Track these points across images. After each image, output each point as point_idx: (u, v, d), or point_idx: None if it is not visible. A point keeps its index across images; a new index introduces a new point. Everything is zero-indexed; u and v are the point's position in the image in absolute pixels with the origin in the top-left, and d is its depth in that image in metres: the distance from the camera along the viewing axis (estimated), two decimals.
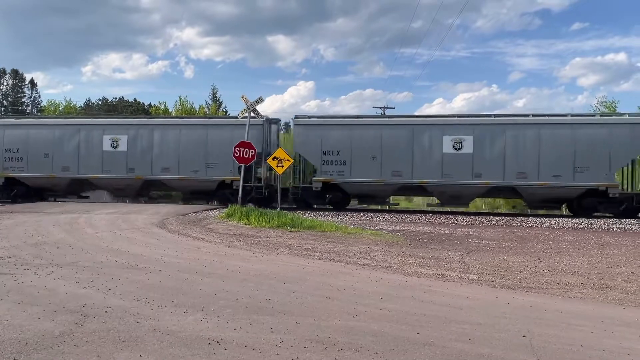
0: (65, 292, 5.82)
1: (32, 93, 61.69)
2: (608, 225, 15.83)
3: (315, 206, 20.62)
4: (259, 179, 20.71)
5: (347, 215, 17.70)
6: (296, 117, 20.70)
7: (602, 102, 37.00)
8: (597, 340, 4.54)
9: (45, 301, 5.39)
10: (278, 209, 15.89)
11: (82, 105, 58.43)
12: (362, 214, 18.11)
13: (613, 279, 7.65)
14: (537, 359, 4.03)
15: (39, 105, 59.25)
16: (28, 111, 56.69)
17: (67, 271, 7.01)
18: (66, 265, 7.49)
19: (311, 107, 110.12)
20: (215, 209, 18.33)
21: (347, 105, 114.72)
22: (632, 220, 16.81)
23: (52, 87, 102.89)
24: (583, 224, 15.99)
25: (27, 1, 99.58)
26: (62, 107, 51.66)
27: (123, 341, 4.19)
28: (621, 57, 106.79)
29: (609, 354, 4.21)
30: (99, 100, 62.46)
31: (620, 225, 15.75)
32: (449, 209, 21.13)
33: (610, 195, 17.69)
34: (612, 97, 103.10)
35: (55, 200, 22.41)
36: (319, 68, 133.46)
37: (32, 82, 61.38)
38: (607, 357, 4.14)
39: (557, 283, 7.29)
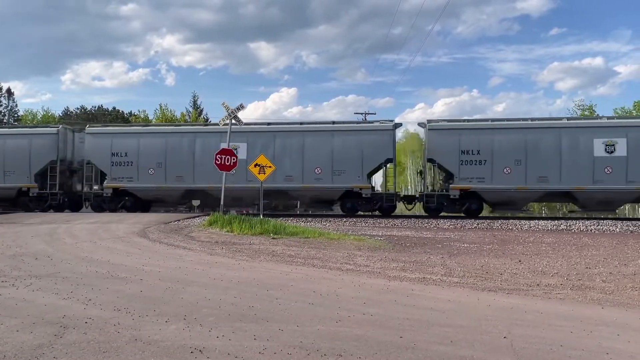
0: (44, 303, 5.73)
1: (9, 102, 60.68)
2: (586, 226, 16.10)
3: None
4: None
5: (329, 221, 17.72)
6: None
7: (579, 106, 37.73)
8: (577, 340, 4.61)
9: (23, 313, 5.29)
10: (261, 216, 15.83)
11: (61, 114, 57.61)
12: (344, 220, 18.15)
13: (592, 280, 7.78)
14: (517, 359, 4.07)
15: (15, 115, 58.23)
16: (5, 121, 55.66)
17: (46, 282, 6.90)
18: (45, 276, 7.36)
19: (294, 113, 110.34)
20: (197, 217, 18.21)
21: (329, 112, 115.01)
22: (610, 222, 17.10)
23: (30, 96, 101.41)
24: (562, 226, 16.23)
25: (3, 9, 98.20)
26: (40, 116, 50.89)
27: (103, 352, 4.14)
28: (598, 61, 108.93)
29: (589, 353, 4.27)
30: (77, 109, 61.64)
31: (598, 227, 16.02)
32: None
33: None
34: (589, 100, 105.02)
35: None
36: (302, 74, 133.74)
37: (9, 91, 60.31)
38: (587, 356, 4.21)
39: (537, 284, 7.39)
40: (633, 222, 17.03)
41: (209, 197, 21.43)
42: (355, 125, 21.97)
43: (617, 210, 21.43)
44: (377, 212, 20.86)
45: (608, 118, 20.30)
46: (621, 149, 17.88)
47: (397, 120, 27.04)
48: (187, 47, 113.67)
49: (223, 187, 17.13)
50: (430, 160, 19.91)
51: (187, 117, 47.94)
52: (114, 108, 61.53)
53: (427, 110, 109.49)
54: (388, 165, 21.00)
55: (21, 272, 7.63)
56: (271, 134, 20.88)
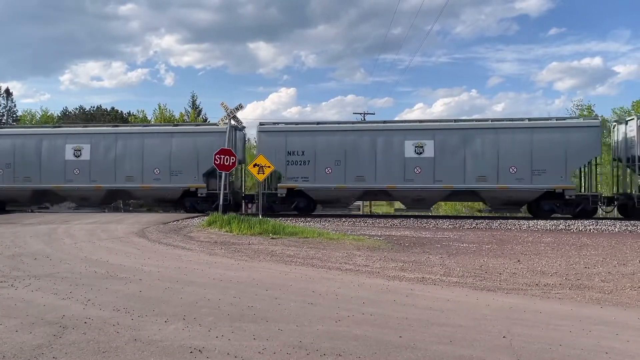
0: (43, 303, 5.73)
1: (7, 103, 60.61)
2: (585, 226, 16.11)
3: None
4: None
5: (329, 221, 17.73)
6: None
7: (578, 106, 37.77)
8: (576, 340, 4.62)
9: (22, 313, 5.30)
10: (260, 216, 15.84)
11: (60, 115, 57.53)
12: (343, 220, 18.15)
13: (590, 279, 7.79)
14: (517, 359, 4.08)
15: (14, 115, 58.17)
16: (3, 121, 55.60)
17: (45, 282, 6.90)
18: (44, 276, 7.36)
19: (292, 113, 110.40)
20: (196, 217, 18.20)
21: (328, 112, 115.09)
22: (608, 222, 17.13)
23: (29, 96, 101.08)
24: (561, 226, 16.24)
25: (1, 9, 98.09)
26: (39, 116, 50.85)
27: (103, 352, 4.14)
28: (597, 61, 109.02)
29: (587, 352, 4.28)
30: (76, 109, 61.56)
31: (597, 227, 16.04)
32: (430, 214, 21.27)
33: None
34: (587, 100, 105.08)
35: (32, 212, 22.06)
36: (301, 74, 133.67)
37: (7, 91, 60.23)
38: (586, 355, 4.21)
39: (536, 284, 7.40)
40: (632, 222, 17.06)
41: (56, 197, 22.17)
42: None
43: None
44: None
45: (420, 121, 21.00)
46: (429, 150, 18.99)
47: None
48: (186, 47, 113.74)
49: (222, 187, 17.14)
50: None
51: (185, 117, 47.91)
52: (113, 108, 61.54)
53: (426, 110, 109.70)
54: None
55: (20, 273, 7.63)
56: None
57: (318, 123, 20.92)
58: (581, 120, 20.43)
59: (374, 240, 12.41)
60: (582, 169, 20.07)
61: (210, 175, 20.50)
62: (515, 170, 18.66)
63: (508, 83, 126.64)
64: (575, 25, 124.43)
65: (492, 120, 20.22)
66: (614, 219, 18.72)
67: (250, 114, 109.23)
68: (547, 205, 18.92)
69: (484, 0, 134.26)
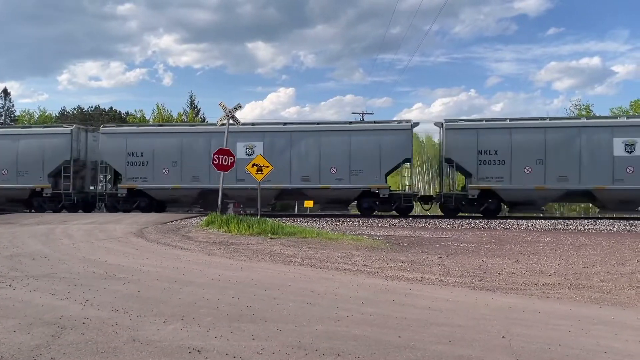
0: (41, 304, 5.71)
1: (5, 102, 60.53)
2: (584, 226, 16.13)
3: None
4: None
5: (327, 221, 17.72)
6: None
7: (576, 106, 37.80)
8: (575, 339, 4.61)
9: (20, 314, 5.28)
10: (258, 216, 15.82)
11: (58, 115, 57.45)
12: (342, 220, 18.15)
13: (589, 279, 7.79)
14: (516, 358, 4.08)
15: (12, 115, 58.07)
16: (1, 121, 55.50)
17: (44, 283, 6.88)
18: (42, 276, 7.34)
19: (291, 113, 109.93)
20: (195, 217, 18.20)
21: (326, 112, 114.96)
22: (607, 221, 17.15)
23: (27, 96, 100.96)
24: (559, 225, 16.26)
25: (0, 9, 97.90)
26: (37, 116, 50.77)
27: (101, 352, 4.13)
28: (595, 61, 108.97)
29: (587, 352, 4.28)
30: (74, 109, 61.48)
31: (596, 226, 16.06)
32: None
33: None
34: (586, 100, 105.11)
35: (31, 211, 22.07)
36: (299, 74, 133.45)
37: (5, 91, 60.15)
38: (585, 355, 4.21)
39: (535, 284, 7.40)
40: (630, 221, 17.10)
41: None
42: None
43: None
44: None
45: (252, 124, 22.38)
46: (258, 150, 20.18)
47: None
48: (184, 47, 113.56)
49: (221, 187, 17.12)
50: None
51: (184, 117, 47.88)
52: (111, 108, 61.47)
53: (425, 110, 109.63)
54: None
55: (18, 273, 7.61)
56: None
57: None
58: (395, 123, 20.88)
59: (372, 240, 12.40)
60: (399, 169, 21.79)
61: (57, 175, 21.83)
62: (335, 170, 19.92)
63: (507, 83, 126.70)
64: (574, 25, 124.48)
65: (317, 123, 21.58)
66: (614, 218, 18.73)
67: (249, 114, 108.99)
68: (366, 203, 20.26)
69: (482, 0, 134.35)
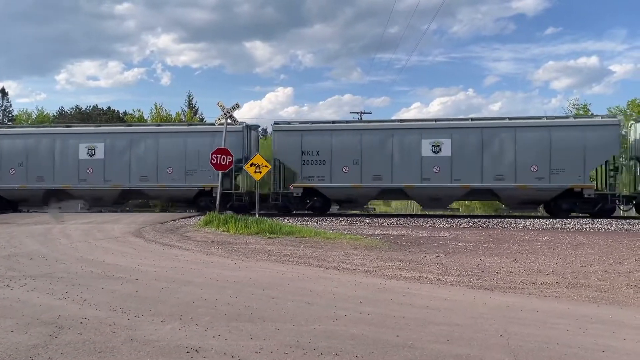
0: (39, 303, 5.70)
1: (2, 102, 60.41)
2: (581, 225, 16.15)
3: (294, 212, 20.66)
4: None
5: (326, 220, 17.72)
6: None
7: (574, 105, 37.80)
8: (573, 338, 4.62)
9: (18, 313, 5.27)
10: (257, 216, 15.82)
11: (56, 114, 57.34)
12: (340, 219, 18.15)
13: (587, 278, 7.80)
14: (514, 357, 4.08)
15: (10, 115, 57.95)
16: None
17: (41, 282, 6.87)
18: (40, 276, 7.33)
19: (289, 113, 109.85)
20: (193, 216, 18.18)
21: (325, 111, 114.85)
22: (605, 220, 17.18)
23: (25, 96, 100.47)
24: (557, 225, 16.28)
25: None
26: (35, 116, 50.66)
27: (99, 352, 4.12)
28: (593, 60, 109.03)
29: (584, 351, 4.28)
30: (72, 108, 61.37)
31: (593, 225, 16.09)
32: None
33: None
34: (584, 99, 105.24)
35: (28, 211, 22.01)
36: (297, 74, 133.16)
37: (2, 91, 60.02)
38: (583, 354, 4.22)
39: (533, 283, 7.41)
40: (628, 220, 17.13)
41: None
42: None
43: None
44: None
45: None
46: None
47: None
48: (182, 46, 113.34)
49: (220, 187, 17.11)
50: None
51: (182, 117, 47.79)
52: (109, 108, 61.37)
53: (423, 109, 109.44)
54: None
55: (16, 273, 7.59)
56: None
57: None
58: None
59: (370, 240, 12.40)
60: None
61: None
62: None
63: (504, 82, 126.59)
64: (572, 24, 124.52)
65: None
66: (612, 218, 18.76)
67: (247, 114, 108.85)
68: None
69: (480, 0, 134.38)
